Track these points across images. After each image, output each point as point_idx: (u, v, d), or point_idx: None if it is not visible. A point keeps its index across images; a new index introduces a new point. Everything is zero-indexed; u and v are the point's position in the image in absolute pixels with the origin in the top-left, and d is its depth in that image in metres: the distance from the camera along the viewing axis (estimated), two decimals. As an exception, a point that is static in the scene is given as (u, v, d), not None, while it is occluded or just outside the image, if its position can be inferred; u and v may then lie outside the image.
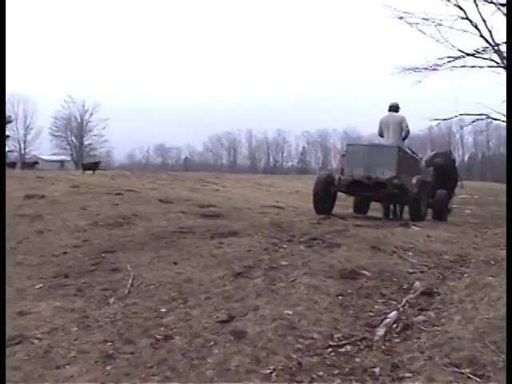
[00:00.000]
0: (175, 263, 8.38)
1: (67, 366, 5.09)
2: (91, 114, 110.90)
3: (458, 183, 18.63)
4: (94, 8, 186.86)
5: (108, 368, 5.05)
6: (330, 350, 5.46)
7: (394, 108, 15.95)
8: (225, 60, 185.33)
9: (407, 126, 15.43)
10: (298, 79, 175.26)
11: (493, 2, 28.81)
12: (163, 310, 6.48)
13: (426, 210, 15.31)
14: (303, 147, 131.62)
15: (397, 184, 13.98)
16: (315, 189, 14.58)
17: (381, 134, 15.72)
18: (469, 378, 4.65)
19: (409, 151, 15.92)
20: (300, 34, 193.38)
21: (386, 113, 16.07)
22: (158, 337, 5.69)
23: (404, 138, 15.47)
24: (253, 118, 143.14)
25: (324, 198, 14.56)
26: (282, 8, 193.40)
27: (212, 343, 5.51)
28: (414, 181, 14.42)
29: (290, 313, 6.20)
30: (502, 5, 28.64)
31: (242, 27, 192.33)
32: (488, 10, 30.15)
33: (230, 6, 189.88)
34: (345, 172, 14.43)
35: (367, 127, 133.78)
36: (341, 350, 5.48)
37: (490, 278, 7.43)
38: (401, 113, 15.86)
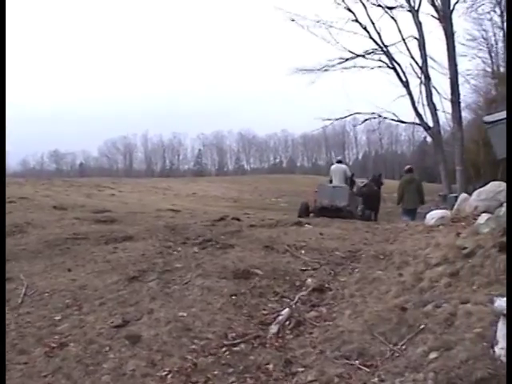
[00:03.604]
0: (69, 270, 8.31)
1: (-43, 380, 5.01)
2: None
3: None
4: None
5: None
6: (224, 349, 5.56)
7: (339, 161, 23.48)
8: (118, 64, 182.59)
9: (349, 172, 22.24)
10: (193, 82, 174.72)
11: (380, 6, 29.59)
12: (57, 317, 6.41)
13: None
14: (199, 150, 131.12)
15: (349, 210, 20.43)
16: (299, 211, 21.20)
17: (330, 179, 22.39)
18: (359, 368, 4.83)
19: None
20: (195, 37, 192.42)
21: (334, 164, 23.11)
22: (52, 345, 5.63)
23: (347, 179, 21.86)
24: (148, 122, 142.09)
25: (304, 216, 20.13)
26: (177, 10, 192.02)
27: (107, 348, 5.52)
28: (359, 209, 21.96)
29: (185, 315, 6.26)
30: (389, 8, 29.45)
31: (135, 31, 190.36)
32: (376, 12, 30.98)
33: (123, 9, 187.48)
34: (317, 202, 21.27)
35: (262, 128, 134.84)
36: (235, 348, 5.59)
37: (379, 271, 7.67)
38: (343, 165, 22.97)
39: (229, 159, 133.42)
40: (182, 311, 6.36)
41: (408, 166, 22.76)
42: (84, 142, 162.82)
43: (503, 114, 8.43)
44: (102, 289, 7.29)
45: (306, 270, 8.24)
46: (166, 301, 6.73)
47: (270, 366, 5.16)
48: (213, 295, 6.89)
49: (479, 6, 30.90)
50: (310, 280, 7.66)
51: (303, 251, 9.28)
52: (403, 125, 35.59)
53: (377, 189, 23.35)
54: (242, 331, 5.96)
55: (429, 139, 42.64)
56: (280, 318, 6.29)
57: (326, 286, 7.48)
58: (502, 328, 4.36)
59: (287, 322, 6.20)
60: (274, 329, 6.04)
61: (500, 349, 4.27)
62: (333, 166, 23.25)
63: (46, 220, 13.24)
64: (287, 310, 6.51)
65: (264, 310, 6.65)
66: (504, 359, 4.16)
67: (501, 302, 4.45)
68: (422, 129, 31.58)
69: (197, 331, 5.87)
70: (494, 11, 31.67)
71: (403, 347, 5.04)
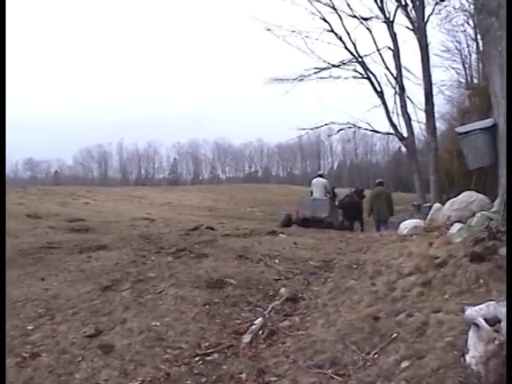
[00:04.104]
0: (43, 279, 8.27)
1: None
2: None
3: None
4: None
5: (-29, 392, 4.95)
6: (197, 358, 5.55)
7: (320, 175, 24.91)
8: (93, 72, 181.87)
9: (329, 187, 23.54)
10: (168, 91, 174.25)
11: (356, 16, 29.72)
12: (30, 327, 6.37)
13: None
14: (174, 158, 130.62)
15: (329, 221, 21.54)
16: (282, 222, 22.01)
17: (311, 191, 23.75)
18: (331, 377, 4.83)
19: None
20: (171, 46, 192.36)
21: (315, 178, 24.25)
22: (24, 355, 5.57)
23: (328, 193, 23.21)
24: (123, 131, 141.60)
25: (287, 226, 20.96)
26: (153, 19, 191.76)
27: (80, 358, 5.48)
28: (339, 219, 22.90)
29: (158, 324, 6.25)
30: (364, 19, 29.61)
31: (111, 41, 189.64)
32: (352, 23, 31.21)
33: (101, 18, 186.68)
34: (299, 213, 22.36)
35: (238, 137, 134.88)
36: (208, 358, 5.58)
37: (352, 281, 7.70)
38: (323, 179, 24.16)
39: (204, 168, 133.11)
40: (155, 321, 6.35)
41: (379, 180, 23.82)
42: (59, 150, 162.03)
43: (475, 125, 8.53)
44: (75, 298, 7.25)
45: (279, 279, 8.28)
46: (139, 310, 6.72)
47: (243, 376, 5.15)
48: (186, 305, 6.89)
49: (453, 19, 31.11)
50: (283, 289, 7.68)
51: (277, 261, 9.32)
52: (378, 135, 35.78)
53: (358, 199, 24.13)
54: (215, 341, 5.96)
55: (403, 149, 42.76)
56: (253, 327, 6.29)
57: (300, 295, 7.52)
58: (472, 336, 4.40)
59: (260, 332, 6.21)
60: (247, 338, 6.04)
61: (471, 357, 4.30)
62: (314, 180, 24.49)
63: (20, 229, 13.18)
64: (260, 319, 6.52)
65: (237, 319, 6.66)
66: (475, 368, 4.20)
67: (471, 311, 4.49)
68: (396, 139, 31.69)
69: (170, 341, 5.87)
70: (468, 23, 31.86)
71: (375, 356, 5.06)
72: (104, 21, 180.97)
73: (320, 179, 24.23)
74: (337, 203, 24.04)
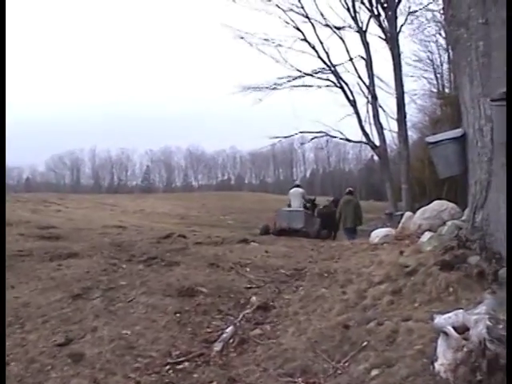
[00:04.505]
0: (12, 287, 8.18)
1: None
2: None
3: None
4: None
5: None
6: (168, 367, 5.54)
7: (297, 185, 26.09)
8: (66, 78, 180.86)
9: (306, 196, 25.27)
10: (141, 97, 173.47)
11: (329, 26, 29.84)
12: (-1, 336, 6.32)
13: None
14: (147, 166, 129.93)
15: (305, 231, 22.53)
16: (261, 232, 23.22)
17: (289, 201, 24.73)
18: (301, 385, 4.84)
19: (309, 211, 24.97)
20: (145, 54, 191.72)
21: (293, 188, 25.47)
22: (-8, 364, 5.54)
23: (307, 202, 24.79)
24: (95, 137, 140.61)
25: (265, 235, 22.37)
26: (127, 25, 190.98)
27: (49, 367, 5.43)
28: (315, 228, 23.49)
29: (129, 333, 6.23)
30: (337, 28, 29.76)
31: (84, 44, 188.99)
32: (325, 32, 31.31)
33: (74, 20, 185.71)
34: (276, 224, 23.45)
35: (211, 144, 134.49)
36: (179, 366, 5.57)
37: (323, 289, 7.73)
38: (300, 189, 25.30)
39: (177, 176, 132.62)
40: (126, 329, 6.33)
41: (348, 189, 24.45)
42: (31, 156, 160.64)
43: (445, 135, 8.59)
44: (46, 306, 7.19)
45: (250, 287, 8.29)
46: (109, 319, 6.68)
47: (214, 384, 5.16)
48: (157, 313, 6.88)
49: (425, 29, 31.52)
50: (254, 298, 7.70)
51: (248, 269, 9.32)
52: (351, 143, 35.80)
53: (335, 209, 24.29)
54: (186, 349, 5.96)
55: (376, 157, 43.01)
56: (224, 335, 6.30)
57: (271, 303, 7.54)
58: (441, 344, 4.44)
59: (231, 340, 6.22)
60: (217, 347, 6.05)
61: (439, 365, 4.34)
62: (291, 190, 25.66)
63: (-12, 236, 13.04)
64: (231, 327, 6.53)
65: (208, 327, 6.66)
66: (443, 375, 4.24)
67: (440, 320, 4.54)
68: (369, 147, 31.84)
69: (140, 349, 5.85)
70: (440, 34, 32.21)
71: (346, 364, 5.09)
72: (78, 23, 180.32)
73: (297, 189, 25.25)
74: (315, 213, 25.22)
